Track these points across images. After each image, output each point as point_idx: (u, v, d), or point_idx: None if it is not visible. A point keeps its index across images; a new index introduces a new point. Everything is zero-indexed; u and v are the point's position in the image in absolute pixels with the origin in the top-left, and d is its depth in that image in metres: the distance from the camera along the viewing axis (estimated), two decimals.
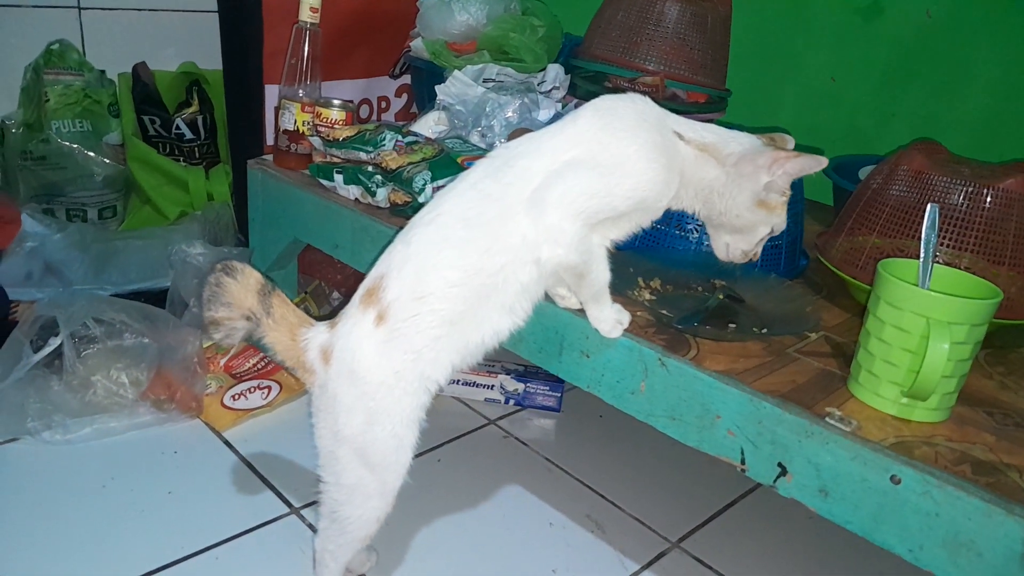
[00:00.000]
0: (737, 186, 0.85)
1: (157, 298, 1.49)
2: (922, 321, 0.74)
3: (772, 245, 1.09)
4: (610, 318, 0.89)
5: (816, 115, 1.52)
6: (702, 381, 0.82)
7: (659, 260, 1.05)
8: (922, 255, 0.80)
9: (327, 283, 1.55)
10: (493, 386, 1.43)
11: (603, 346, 0.90)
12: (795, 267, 1.13)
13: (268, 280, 0.87)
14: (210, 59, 1.75)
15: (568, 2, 1.62)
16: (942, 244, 0.96)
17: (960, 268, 0.95)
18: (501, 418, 1.40)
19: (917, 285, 0.80)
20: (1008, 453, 0.74)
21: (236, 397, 1.32)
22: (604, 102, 0.85)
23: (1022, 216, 0.94)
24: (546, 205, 0.80)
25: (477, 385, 1.44)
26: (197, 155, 1.82)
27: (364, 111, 1.70)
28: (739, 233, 0.88)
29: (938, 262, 0.92)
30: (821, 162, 0.84)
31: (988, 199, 0.93)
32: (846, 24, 1.44)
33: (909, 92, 1.41)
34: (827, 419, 0.76)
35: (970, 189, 0.94)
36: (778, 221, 0.87)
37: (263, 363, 1.42)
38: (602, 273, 0.86)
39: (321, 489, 0.88)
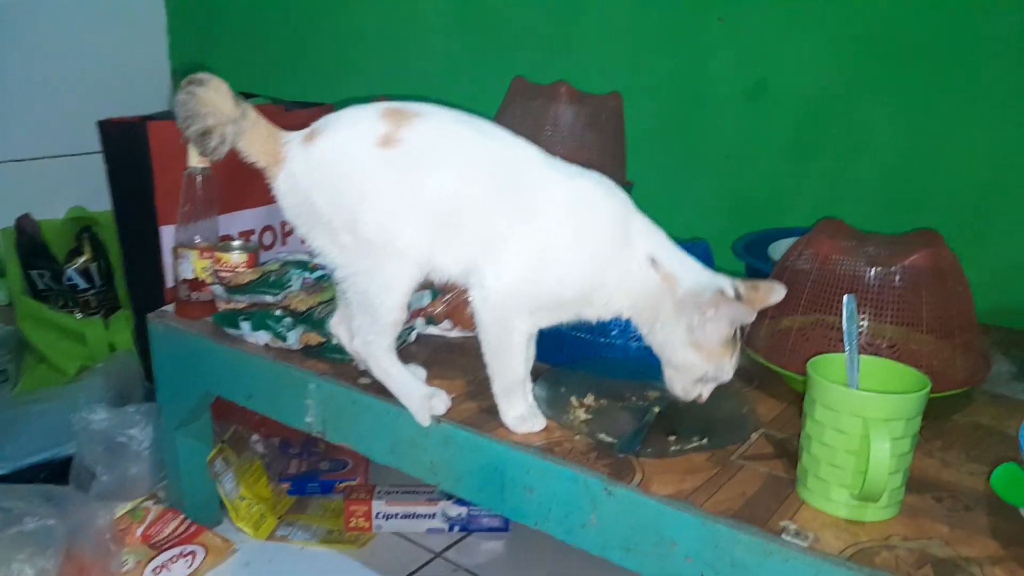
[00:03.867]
0: (678, 321, 0.86)
1: (62, 468, 1.39)
2: (859, 421, 0.73)
3: None
4: (517, 416, 0.90)
5: (720, 193, 1.55)
6: (652, 508, 0.79)
7: (589, 371, 1.03)
8: (847, 349, 0.80)
9: (244, 426, 1.46)
10: (435, 514, 1.37)
11: (547, 478, 0.86)
12: None
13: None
14: (101, 200, 1.68)
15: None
16: (864, 316, 0.97)
17: (885, 340, 0.96)
18: (447, 548, 1.33)
19: (847, 380, 0.79)
20: (965, 544, 0.73)
21: (157, 570, 1.22)
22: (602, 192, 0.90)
23: (931, 286, 0.96)
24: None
25: (417, 516, 1.37)
26: (94, 304, 1.73)
27: (268, 238, 1.65)
28: (675, 369, 0.89)
29: (864, 349, 0.93)
30: (751, 314, 0.84)
31: (897, 277, 0.95)
32: (738, 103, 1.48)
33: (809, 163, 1.45)
34: (784, 535, 0.73)
35: (879, 269, 0.96)
36: (713, 368, 0.86)
37: (184, 526, 1.32)
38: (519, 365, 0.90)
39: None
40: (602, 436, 0.88)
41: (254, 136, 0.93)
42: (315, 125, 0.93)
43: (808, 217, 1.43)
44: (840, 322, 0.93)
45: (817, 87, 1.40)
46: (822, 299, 0.99)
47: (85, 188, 1.85)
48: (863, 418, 0.73)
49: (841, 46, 1.37)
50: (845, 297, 0.84)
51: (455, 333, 1.20)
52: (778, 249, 1.38)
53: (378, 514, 1.37)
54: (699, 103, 1.53)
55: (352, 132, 0.90)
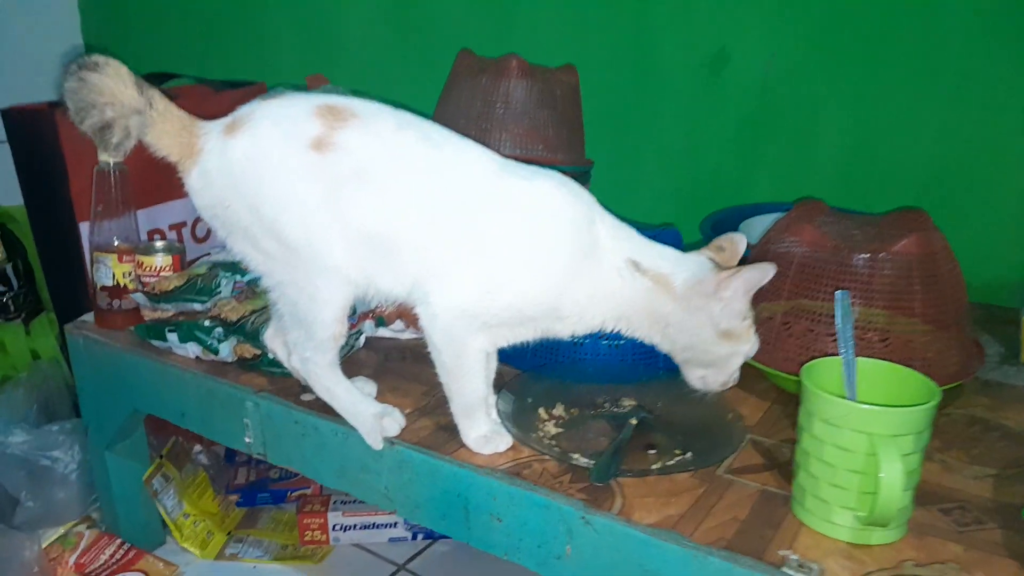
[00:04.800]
0: (695, 320, 0.77)
1: None
2: (864, 438, 0.65)
3: None
4: (479, 436, 0.82)
5: (680, 172, 1.46)
6: (635, 539, 0.71)
7: (557, 377, 0.94)
8: (842, 353, 0.73)
9: (186, 437, 1.35)
10: (396, 523, 1.28)
11: (516, 506, 0.77)
12: None
13: None
14: (16, 194, 1.52)
15: (410, 99, 1.51)
16: (854, 303, 0.88)
17: (876, 332, 0.88)
18: (412, 559, 1.25)
19: (844, 388, 0.72)
20: (983, 567, 0.66)
21: None
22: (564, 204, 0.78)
23: (923, 273, 0.89)
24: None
25: (377, 526, 1.28)
26: (12, 308, 1.58)
27: (201, 230, 1.52)
28: (712, 367, 0.80)
29: (859, 351, 0.84)
30: (767, 270, 0.76)
31: (887, 267, 0.87)
32: (697, 78, 1.39)
33: (766, 139, 1.37)
34: (785, 567, 0.65)
35: (867, 256, 0.88)
36: (748, 348, 0.79)
37: (122, 551, 1.21)
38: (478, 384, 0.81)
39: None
40: (576, 457, 0.79)
41: (164, 128, 0.80)
42: (237, 114, 0.81)
43: (772, 193, 1.37)
44: (827, 309, 0.86)
45: (779, 59, 1.32)
46: (806, 285, 0.91)
47: None
48: (868, 434, 0.65)
49: (801, 18, 1.29)
50: (837, 294, 0.76)
51: (408, 335, 1.10)
52: (750, 227, 1.30)
53: (335, 526, 1.28)
54: (656, 76, 1.43)
55: (279, 130, 0.78)
